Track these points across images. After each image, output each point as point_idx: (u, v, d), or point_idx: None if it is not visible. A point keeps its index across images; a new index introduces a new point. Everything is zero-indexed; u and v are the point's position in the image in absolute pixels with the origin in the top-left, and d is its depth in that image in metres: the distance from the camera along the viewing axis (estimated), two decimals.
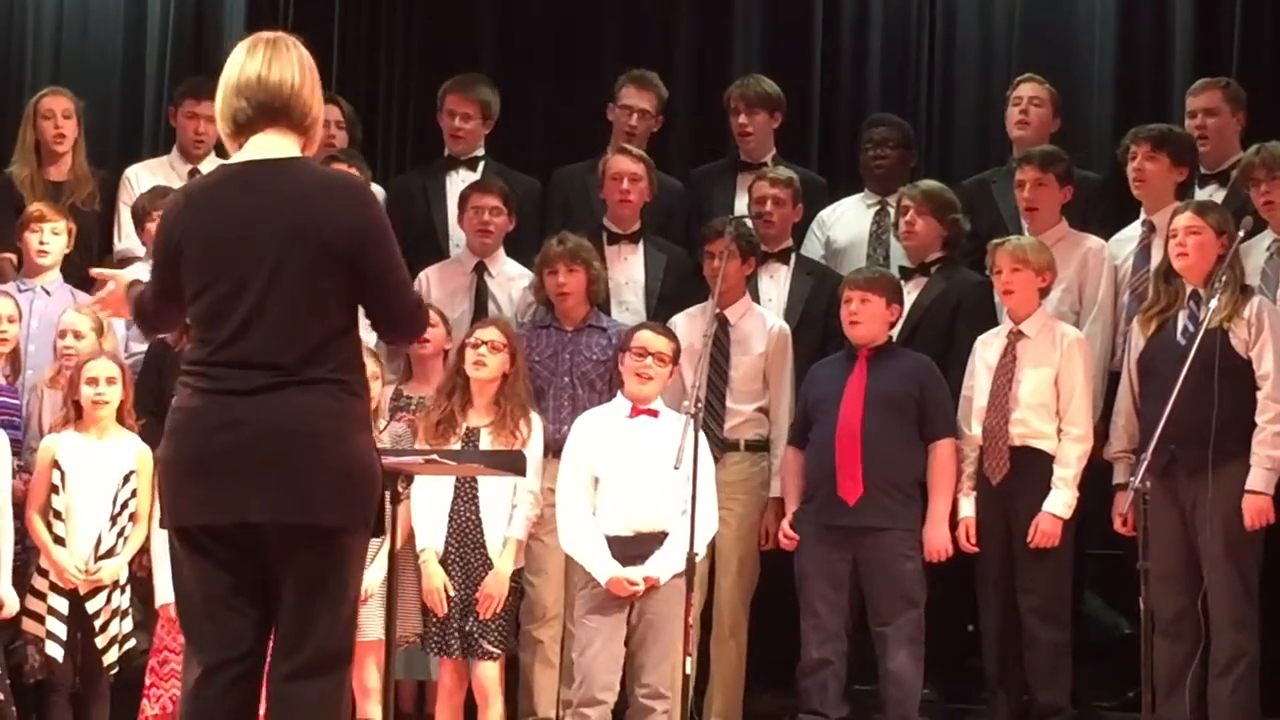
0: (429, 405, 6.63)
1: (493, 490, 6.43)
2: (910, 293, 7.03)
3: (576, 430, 6.56)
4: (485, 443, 6.40)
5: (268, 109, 4.06)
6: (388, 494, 5.01)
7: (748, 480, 6.94)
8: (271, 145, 4.07)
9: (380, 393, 6.62)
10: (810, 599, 6.60)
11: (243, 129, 4.09)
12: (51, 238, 7.26)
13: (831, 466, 6.57)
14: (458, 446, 6.38)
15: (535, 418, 6.57)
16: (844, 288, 6.80)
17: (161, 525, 4.11)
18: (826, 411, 6.65)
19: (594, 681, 6.28)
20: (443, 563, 6.42)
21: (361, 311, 4.12)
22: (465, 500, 6.45)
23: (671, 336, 6.61)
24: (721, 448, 6.84)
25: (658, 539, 6.35)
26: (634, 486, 6.39)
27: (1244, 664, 6.18)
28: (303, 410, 3.95)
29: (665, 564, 6.30)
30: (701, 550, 6.24)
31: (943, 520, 6.56)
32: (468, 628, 6.33)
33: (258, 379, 3.95)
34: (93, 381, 6.54)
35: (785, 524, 6.75)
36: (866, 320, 6.66)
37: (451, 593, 6.37)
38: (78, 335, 6.83)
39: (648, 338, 6.52)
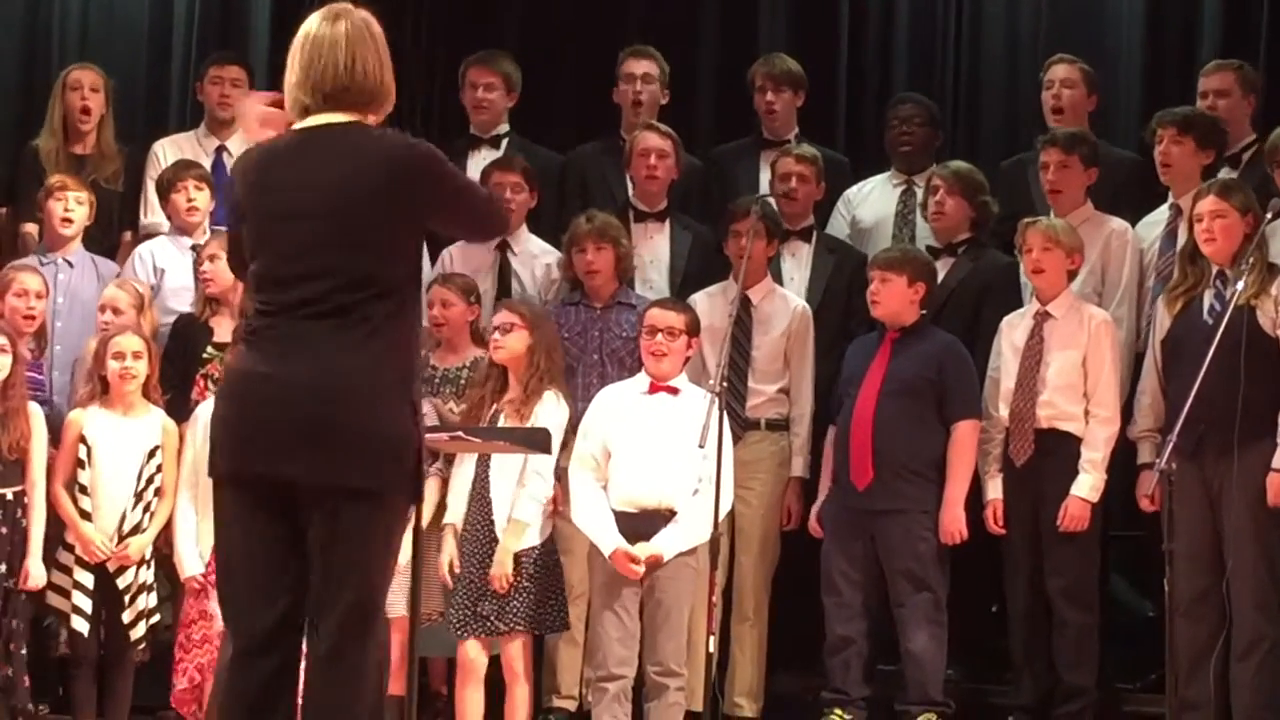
0: (459, 376, 6.61)
1: (502, 469, 6.39)
2: (937, 273, 7.02)
3: (594, 404, 6.56)
4: (502, 421, 6.38)
5: (328, 98, 4.12)
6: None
7: (768, 459, 6.94)
8: (332, 118, 4.13)
9: None
10: (832, 577, 6.62)
11: (308, 112, 4.16)
12: (76, 207, 7.24)
13: (848, 451, 6.59)
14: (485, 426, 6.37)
15: (551, 395, 6.43)
16: (868, 268, 6.80)
17: (210, 474, 4.14)
18: (850, 394, 6.67)
19: (610, 657, 6.28)
20: (460, 539, 6.40)
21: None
22: (479, 479, 6.42)
23: (683, 309, 6.58)
24: (743, 427, 6.83)
25: (665, 517, 6.33)
26: (644, 463, 6.37)
27: (1265, 646, 6.18)
28: (344, 371, 3.98)
29: (670, 541, 6.29)
30: (717, 527, 6.22)
31: (957, 503, 6.55)
32: (482, 609, 6.32)
33: (309, 334, 4.00)
34: (119, 356, 6.55)
35: (814, 512, 6.75)
36: (886, 300, 6.66)
37: (457, 569, 6.35)
38: (116, 310, 6.82)
39: (656, 314, 6.51)
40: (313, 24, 4.17)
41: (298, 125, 4.17)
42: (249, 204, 4.15)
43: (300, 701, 4.04)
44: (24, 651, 6.43)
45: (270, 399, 4.00)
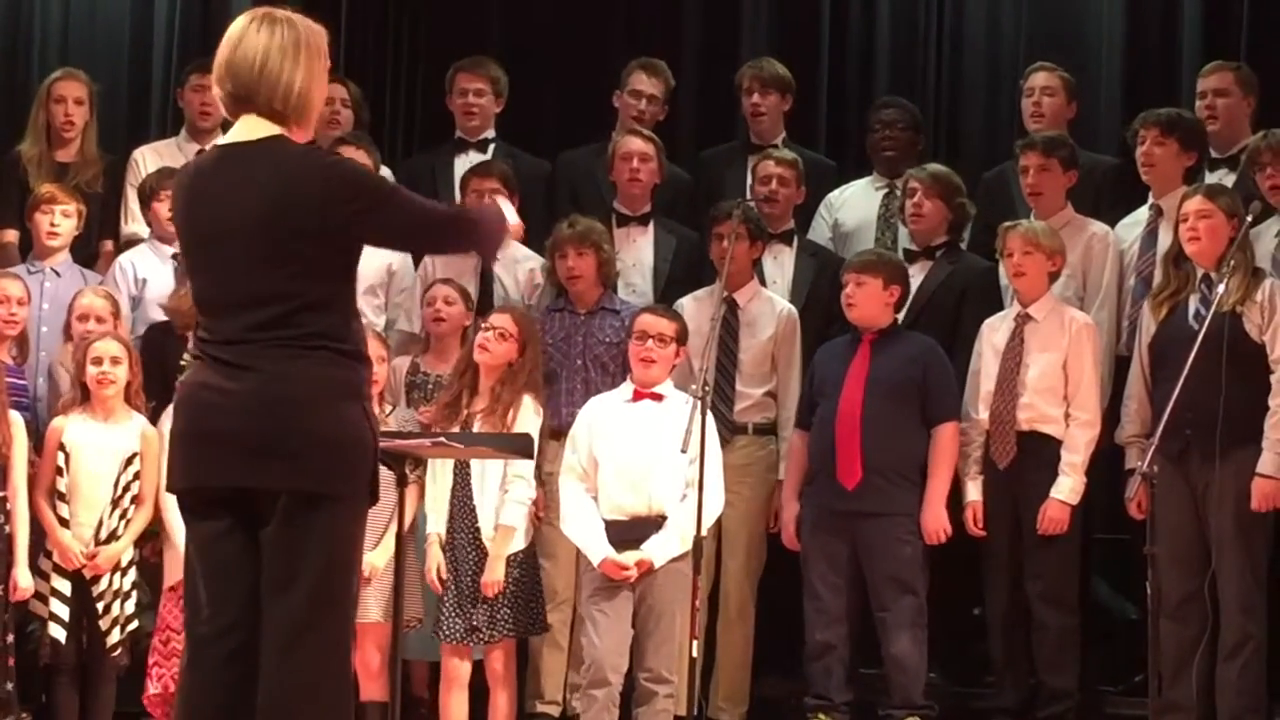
0: (445, 385, 6.62)
1: (484, 475, 6.39)
2: (915, 276, 7.03)
3: (581, 415, 6.55)
4: (475, 428, 6.36)
5: (238, 96, 4.12)
6: (394, 474, 5.04)
7: (755, 464, 6.94)
8: (251, 128, 4.12)
9: (389, 370, 6.63)
10: (812, 582, 6.61)
11: (231, 112, 4.16)
12: (62, 220, 7.24)
13: (832, 452, 6.58)
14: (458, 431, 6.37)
15: (531, 402, 6.44)
16: (843, 271, 6.80)
17: (168, 488, 4.19)
18: (829, 396, 6.66)
19: (603, 664, 6.25)
20: (444, 547, 6.40)
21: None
22: (461, 485, 6.41)
23: (673, 317, 6.58)
24: (730, 431, 6.83)
25: (655, 523, 6.32)
26: (632, 470, 6.36)
27: (1250, 648, 6.19)
28: (287, 379, 4.02)
29: (660, 548, 6.28)
30: (704, 531, 6.21)
31: (940, 503, 6.56)
32: (474, 619, 6.31)
33: (249, 352, 4.03)
34: (97, 361, 6.54)
35: (788, 523, 6.73)
36: (862, 303, 6.66)
37: (444, 575, 6.35)
38: (100, 320, 6.81)
39: (647, 321, 6.50)
40: (238, 24, 4.14)
41: (220, 141, 4.19)
42: (180, 224, 4.19)
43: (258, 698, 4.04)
44: (12, 663, 6.41)
45: (219, 410, 4.03)
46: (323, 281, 4.05)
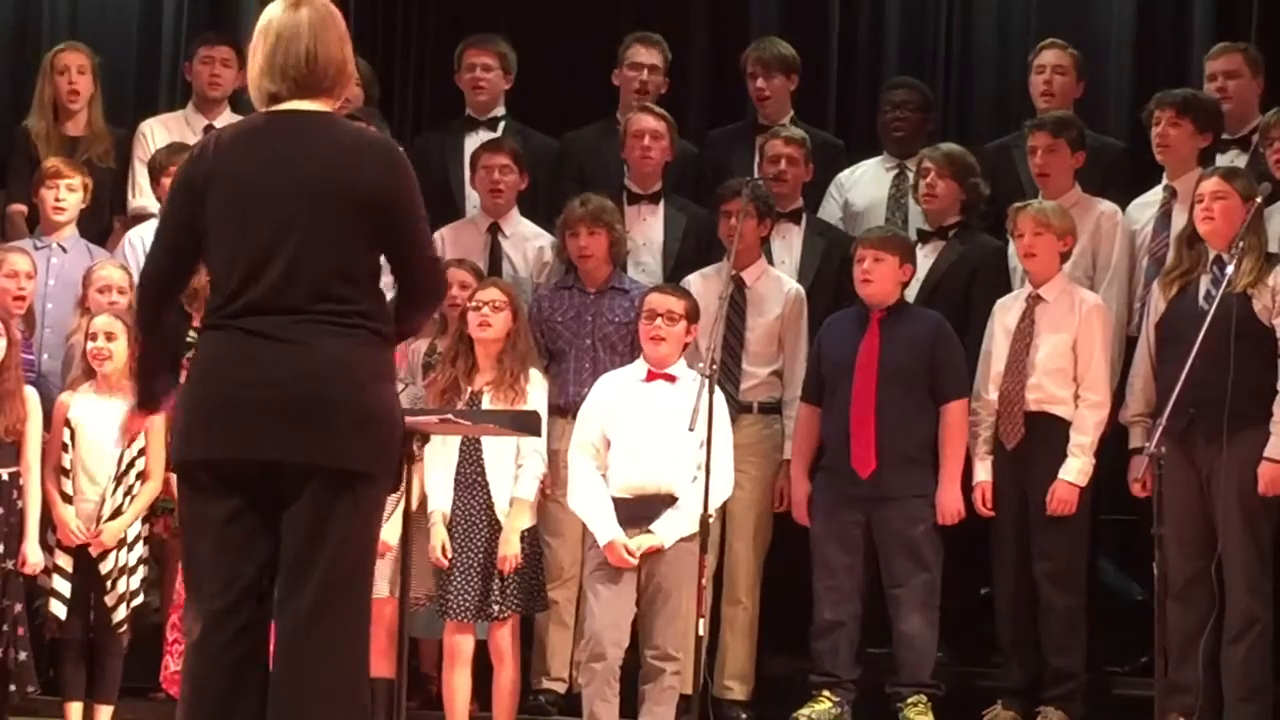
0: (436, 369, 6.62)
1: (497, 451, 6.39)
2: (928, 256, 7.03)
3: (593, 392, 6.54)
4: (486, 403, 6.36)
5: (302, 86, 4.14)
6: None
7: (761, 443, 6.93)
8: (299, 104, 4.15)
9: (413, 348, 6.63)
10: (824, 561, 6.61)
11: (275, 100, 4.17)
12: (68, 194, 7.24)
13: (846, 436, 6.58)
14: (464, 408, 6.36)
15: (537, 374, 6.49)
16: (857, 246, 6.78)
17: (177, 459, 4.14)
18: (840, 378, 6.65)
19: (602, 638, 6.25)
20: (450, 524, 6.40)
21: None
22: (470, 462, 6.41)
23: (682, 295, 6.56)
24: (735, 410, 6.81)
25: (665, 502, 6.31)
26: (643, 449, 6.35)
27: (1257, 630, 6.19)
28: (327, 355, 4.00)
29: (670, 528, 6.27)
30: (713, 512, 6.21)
31: (954, 482, 6.56)
32: (486, 596, 6.31)
33: (285, 324, 4.00)
34: (94, 337, 6.55)
35: (799, 502, 6.72)
36: (879, 279, 6.65)
37: (449, 553, 6.35)
38: (121, 291, 6.81)
39: (655, 299, 6.49)
40: (275, 11, 4.18)
41: (267, 110, 4.18)
42: (214, 185, 4.09)
43: (273, 675, 4.04)
44: (26, 635, 6.41)
45: (252, 383, 3.99)
46: (361, 256, 4.06)
